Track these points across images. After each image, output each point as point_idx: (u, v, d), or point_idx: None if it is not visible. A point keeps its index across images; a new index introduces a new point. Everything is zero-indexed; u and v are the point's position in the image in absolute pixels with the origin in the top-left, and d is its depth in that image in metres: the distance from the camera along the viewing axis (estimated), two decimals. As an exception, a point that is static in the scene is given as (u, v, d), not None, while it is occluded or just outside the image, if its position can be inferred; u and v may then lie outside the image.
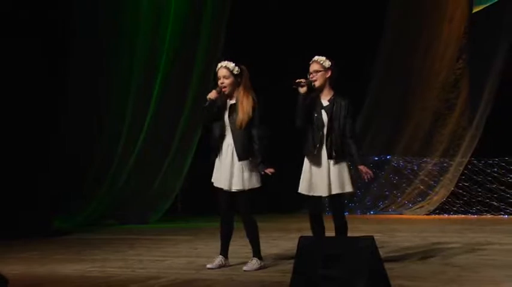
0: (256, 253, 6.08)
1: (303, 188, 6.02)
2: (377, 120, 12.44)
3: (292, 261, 4.78)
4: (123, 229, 10.13)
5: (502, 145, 11.17)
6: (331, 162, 5.92)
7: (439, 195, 11.72)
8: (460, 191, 11.54)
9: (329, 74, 5.98)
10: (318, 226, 6.02)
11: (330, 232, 6.03)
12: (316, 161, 5.96)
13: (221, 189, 6.04)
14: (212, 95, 5.99)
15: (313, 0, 12.11)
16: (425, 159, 12.05)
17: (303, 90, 5.93)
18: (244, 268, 5.97)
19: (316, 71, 5.97)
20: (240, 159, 5.95)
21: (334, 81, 6.03)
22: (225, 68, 6.03)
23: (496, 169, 11.37)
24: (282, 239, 8.22)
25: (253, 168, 5.97)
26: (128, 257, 7.02)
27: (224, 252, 6.14)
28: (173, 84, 10.94)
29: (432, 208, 11.64)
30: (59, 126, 10.26)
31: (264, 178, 6.02)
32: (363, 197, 12.23)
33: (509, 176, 11.29)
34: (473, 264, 6.00)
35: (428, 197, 11.86)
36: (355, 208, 12.19)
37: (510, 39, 11.23)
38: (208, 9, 10.95)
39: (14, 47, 9.13)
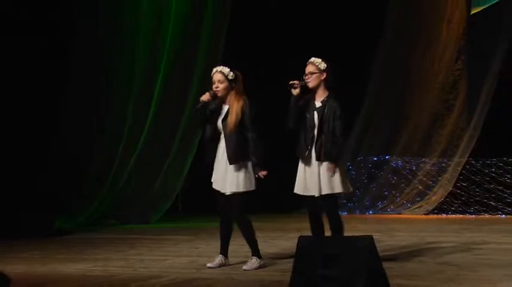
0: (255, 252, 6.13)
1: (298, 189, 6.10)
2: (376, 121, 12.48)
3: (292, 260, 4.82)
4: (124, 228, 10.16)
5: (499, 146, 11.21)
6: (321, 163, 5.97)
7: (438, 195, 11.75)
8: (458, 191, 11.58)
9: (324, 76, 6.02)
10: (317, 226, 6.07)
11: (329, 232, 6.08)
12: (308, 162, 6.03)
13: (218, 191, 6.13)
14: (205, 97, 6.08)
15: (313, 1, 12.15)
16: (423, 159, 12.09)
17: (296, 92, 6.00)
18: (244, 267, 6.02)
19: (312, 73, 6.01)
20: (230, 162, 6.01)
21: (330, 83, 6.05)
22: (220, 73, 6.11)
23: (493, 169, 11.41)
24: (281, 239, 8.25)
25: (247, 171, 6.02)
26: (129, 256, 7.06)
27: (224, 251, 6.20)
28: (174, 85, 10.94)
29: (430, 208, 11.68)
30: (59, 126, 10.29)
31: (259, 180, 6.05)
32: (362, 197, 12.27)
33: (506, 176, 11.33)
34: (470, 263, 6.03)
35: (427, 197, 11.90)
36: (354, 207, 12.23)
37: (508, 40, 11.27)
38: (208, 10, 10.95)
39: (14, 47, 9.15)
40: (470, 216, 11.31)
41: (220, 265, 6.12)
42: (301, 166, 6.09)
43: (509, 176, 11.33)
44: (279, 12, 12.19)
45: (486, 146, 11.35)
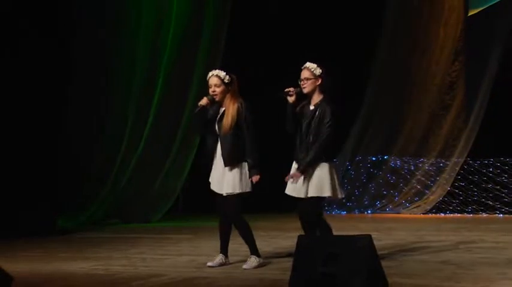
0: (254, 251, 6.18)
1: (288, 189, 6.05)
2: (375, 121, 12.53)
3: (291, 259, 4.88)
4: (126, 228, 10.18)
5: (497, 146, 11.27)
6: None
7: (436, 194, 11.82)
8: (456, 190, 11.65)
9: (319, 81, 5.99)
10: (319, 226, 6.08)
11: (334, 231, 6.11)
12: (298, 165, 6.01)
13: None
14: (203, 101, 6.10)
15: (312, 5, 12.17)
16: (422, 159, 12.15)
17: (291, 99, 5.98)
18: (244, 266, 6.06)
19: (307, 79, 5.99)
20: (225, 164, 6.05)
21: (325, 87, 6.02)
22: (216, 77, 6.13)
23: (491, 169, 11.48)
24: (281, 238, 8.30)
25: (244, 172, 6.05)
26: (130, 255, 7.09)
27: (224, 250, 6.24)
28: (174, 86, 10.96)
29: (429, 207, 11.74)
30: (60, 126, 10.29)
31: (257, 181, 6.05)
32: (361, 196, 12.34)
33: (504, 176, 11.40)
34: (468, 262, 6.07)
35: (425, 197, 11.96)
36: (353, 207, 12.29)
37: (505, 42, 11.33)
38: (209, 11, 10.97)
39: (14, 47, 9.16)
40: (467, 215, 11.38)
41: (221, 264, 6.16)
42: (293, 167, 6.07)
43: (506, 175, 11.40)
44: (279, 15, 12.21)
45: (483, 146, 11.41)
